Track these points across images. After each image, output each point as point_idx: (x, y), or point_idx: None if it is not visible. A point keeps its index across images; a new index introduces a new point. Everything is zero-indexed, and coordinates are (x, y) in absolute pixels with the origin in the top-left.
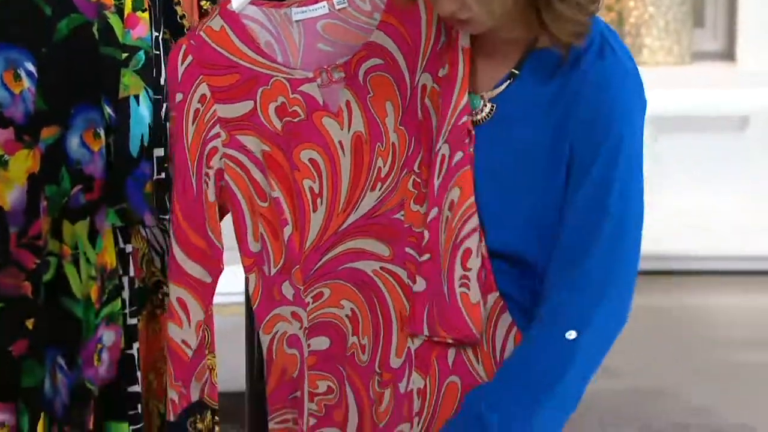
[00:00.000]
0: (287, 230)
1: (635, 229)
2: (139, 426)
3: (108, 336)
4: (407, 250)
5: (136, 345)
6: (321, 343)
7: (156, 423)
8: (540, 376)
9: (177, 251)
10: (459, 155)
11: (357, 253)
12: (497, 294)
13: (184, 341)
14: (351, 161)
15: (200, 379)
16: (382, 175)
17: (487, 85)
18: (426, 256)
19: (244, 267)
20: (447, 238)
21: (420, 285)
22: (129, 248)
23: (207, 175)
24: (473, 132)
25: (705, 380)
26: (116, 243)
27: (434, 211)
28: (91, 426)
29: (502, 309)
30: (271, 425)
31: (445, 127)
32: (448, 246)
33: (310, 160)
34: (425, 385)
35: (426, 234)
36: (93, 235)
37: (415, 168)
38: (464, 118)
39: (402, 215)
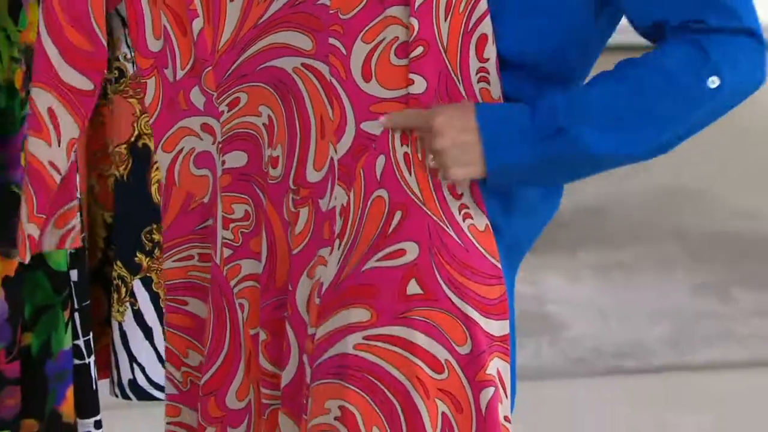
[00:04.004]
0: (197, 24)
1: None
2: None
3: None
4: (331, 41)
5: None
6: (237, 158)
7: (101, 234)
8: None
9: (49, 46)
10: None
11: (278, 48)
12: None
13: (51, 163)
14: None
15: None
16: None
17: None
18: (418, 50)
19: (139, 70)
20: (454, 25)
21: (419, 85)
22: None
23: None
24: None
25: (755, 180)
26: None
27: None
28: None
29: None
30: (167, 264)
31: None
32: (456, 33)
33: None
34: (348, 202)
35: (415, 23)
36: (14, 8)
37: None
38: None
39: None
